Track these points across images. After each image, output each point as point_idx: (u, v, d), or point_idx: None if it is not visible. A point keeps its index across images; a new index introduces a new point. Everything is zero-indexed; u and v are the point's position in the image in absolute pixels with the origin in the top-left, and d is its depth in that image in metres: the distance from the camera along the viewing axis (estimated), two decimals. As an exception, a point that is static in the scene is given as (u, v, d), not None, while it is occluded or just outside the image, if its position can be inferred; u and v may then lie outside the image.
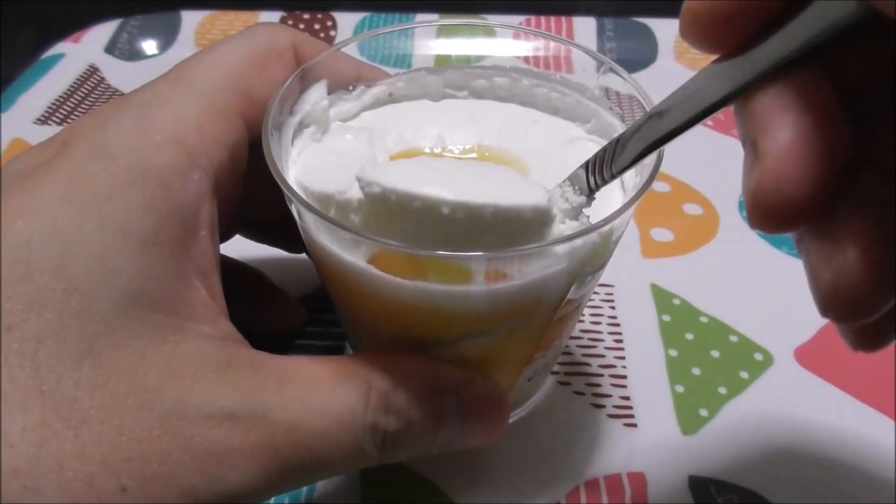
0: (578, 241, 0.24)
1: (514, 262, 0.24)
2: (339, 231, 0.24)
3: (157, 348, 0.22)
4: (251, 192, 0.29)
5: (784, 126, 0.17)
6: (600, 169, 0.25)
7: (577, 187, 0.26)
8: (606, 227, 0.25)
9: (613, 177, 0.25)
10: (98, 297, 0.21)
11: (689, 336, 0.41)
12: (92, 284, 0.21)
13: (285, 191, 0.25)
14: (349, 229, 0.24)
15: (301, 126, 0.31)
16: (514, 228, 0.23)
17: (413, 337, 0.27)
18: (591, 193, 0.26)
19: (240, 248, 0.37)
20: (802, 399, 0.37)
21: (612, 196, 0.29)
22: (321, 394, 0.24)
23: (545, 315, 0.27)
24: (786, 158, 0.17)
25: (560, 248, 0.24)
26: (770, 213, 0.18)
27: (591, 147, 0.31)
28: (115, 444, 0.20)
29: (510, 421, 0.35)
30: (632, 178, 0.29)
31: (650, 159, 0.27)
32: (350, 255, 0.25)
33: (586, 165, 0.26)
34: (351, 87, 0.32)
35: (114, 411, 0.21)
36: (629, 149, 0.23)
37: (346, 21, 0.68)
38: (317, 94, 0.31)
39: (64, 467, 0.20)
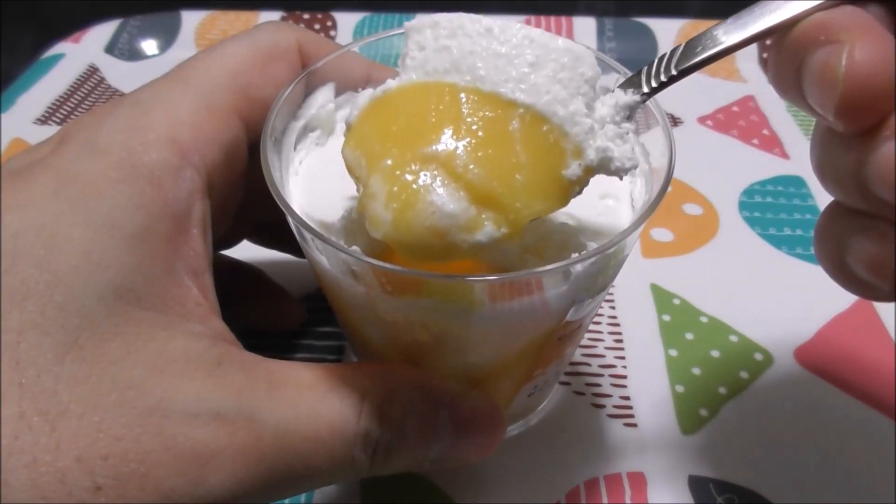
0: (579, 266, 0.24)
1: (511, 285, 0.24)
2: (337, 252, 0.24)
3: (144, 345, 0.22)
4: (255, 194, 0.29)
5: (879, 28, 0.20)
6: (661, 70, 0.24)
7: (631, 90, 0.25)
8: (614, 249, 0.24)
9: (676, 77, 0.24)
10: (83, 290, 0.21)
11: (689, 336, 0.41)
12: (77, 278, 0.21)
13: (282, 207, 0.24)
14: (347, 251, 0.23)
15: (306, 130, 0.30)
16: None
17: (410, 353, 0.27)
18: (647, 95, 0.25)
19: (241, 247, 0.37)
20: (802, 399, 0.37)
21: (619, 215, 0.28)
22: (312, 399, 0.23)
23: (543, 336, 0.27)
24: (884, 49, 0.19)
25: (560, 273, 0.24)
26: (867, 97, 0.19)
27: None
28: (91, 441, 0.20)
29: (510, 434, 0.35)
30: (641, 196, 0.28)
31: (661, 173, 0.26)
32: (347, 274, 0.25)
33: (645, 68, 0.25)
34: (361, 89, 0.31)
35: (94, 407, 0.20)
36: (707, 45, 0.23)
37: (346, 21, 0.68)
38: (323, 97, 0.30)
39: (37, 461, 0.19)
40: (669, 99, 0.60)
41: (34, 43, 0.67)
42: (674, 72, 0.24)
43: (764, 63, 0.64)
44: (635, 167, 0.24)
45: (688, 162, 0.52)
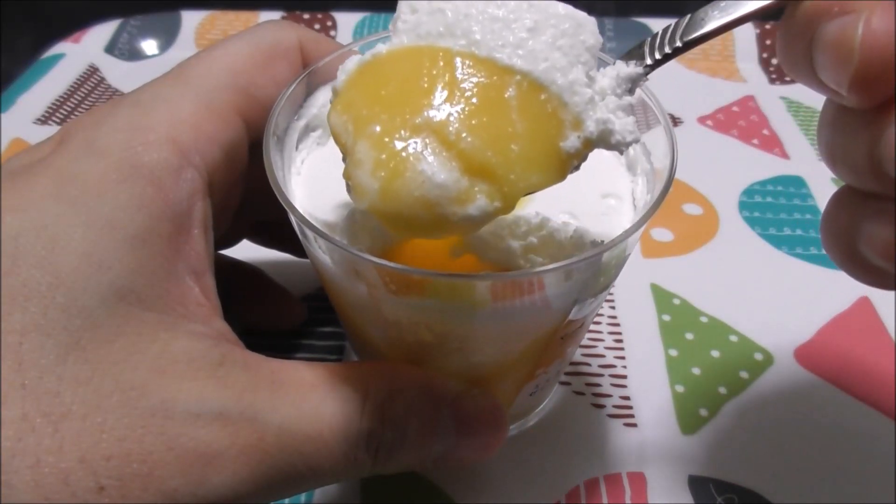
0: (582, 265, 0.23)
1: (514, 284, 0.23)
2: (341, 251, 0.23)
3: (146, 345, 0.22)
4: (255, 194, 0.29)
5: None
6: (665, 42, 0.23)
7: (634, 62, 0.24)
8: (617, 249, 0.24)
9: (681, 49, 0.23)
10: (84, 291, 0.21)
11: (689, 336, 0.41)
12: (78, 279, 0.21)
13: (286, 206, 0.24)
14: (351, 250, 0.23)
15: (307, 129, 0.30)
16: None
17: (412, 352, 0.27)
18: (650, 67, 0.24)
19: (241, 247, 0.37)
20: (802, 399, 0.37)
21: (621, 214, 0.28)
22: (314, 399, 0.23)
23: (546, 336, 0.27)
24: None
25: (563, 272, 0.23)
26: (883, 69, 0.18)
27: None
28: (94, 442, 0.20)
29: (510, 433, 0.35)
30: (643, 195, 0.28)
31: (663, 173, 0.26)
32: (350, 273, 0.24)
33: (648, 39, 0.24)
34: None
35: (96, 408, 0.20)
36: (713, 16, 0.22)
37: (346, 21, 0.68)
38: (325, 97, 0.30)
39: (40, 462, 0.19)
40: (669, 99, 0.60)
41: (34, 43, 0.67)
42: (679, 44, 0.23)
43: (764, 63, 0.64)
44: (636, 141, 0.23)
45: (688, 162, 0.52)
